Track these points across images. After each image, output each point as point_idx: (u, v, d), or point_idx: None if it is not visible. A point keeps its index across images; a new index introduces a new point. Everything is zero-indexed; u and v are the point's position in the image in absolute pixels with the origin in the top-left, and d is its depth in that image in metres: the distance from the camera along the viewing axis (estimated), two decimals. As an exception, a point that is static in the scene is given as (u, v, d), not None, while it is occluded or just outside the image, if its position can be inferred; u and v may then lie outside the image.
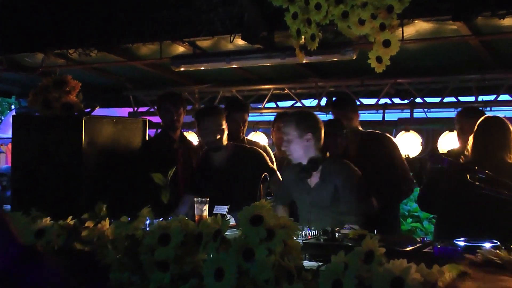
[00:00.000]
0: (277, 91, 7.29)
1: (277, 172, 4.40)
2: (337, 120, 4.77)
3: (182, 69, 5.80)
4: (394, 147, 4.85)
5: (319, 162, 3.81)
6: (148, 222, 2.95)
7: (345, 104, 5.11)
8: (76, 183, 4.31)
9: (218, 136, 4.28)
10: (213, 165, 4.41)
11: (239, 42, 4.74)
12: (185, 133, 5.48)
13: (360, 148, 4.62)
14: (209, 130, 4.28)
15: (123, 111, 8.31)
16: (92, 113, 4.55)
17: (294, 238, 2.33)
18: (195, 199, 3.54)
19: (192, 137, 6.24)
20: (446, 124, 6.26)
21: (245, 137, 5.21)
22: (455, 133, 5.03)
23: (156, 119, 5.78)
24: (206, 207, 3.50)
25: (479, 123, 3.73)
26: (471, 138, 3.73)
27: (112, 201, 3.12)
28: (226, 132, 4.33)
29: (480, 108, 5.50)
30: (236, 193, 4.16)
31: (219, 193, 4.07)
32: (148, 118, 5.35)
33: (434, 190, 3.80)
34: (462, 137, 4.41)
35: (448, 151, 4.49)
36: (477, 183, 2.99)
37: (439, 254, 2.66)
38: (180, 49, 5.71)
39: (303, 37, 3.65)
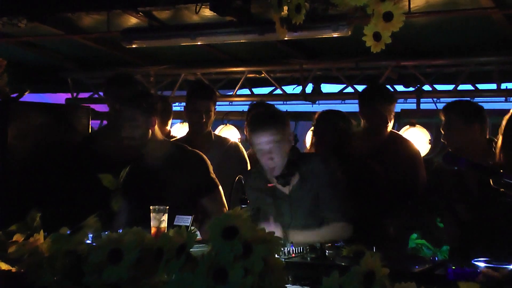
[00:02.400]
0: (253, 75, 7.32)
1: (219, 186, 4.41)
2: (338, 111, 4.85)
3: (134, 46, 5.78)
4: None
5: (300, 162, 3.91)
6: (93, 234, 2.93)
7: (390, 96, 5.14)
8: (0, 186, 4.27)
9: (204, 119, 4.33)
10: (146, 167, 4.38)
11: (207, 13, 4.77)
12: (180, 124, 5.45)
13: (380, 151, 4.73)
14: (197, 114, 4.34)
15: (60, 97, 8.26)
16: (21, 99, 4.51)
17: (276, 255, 2.34)
18: (151, 207, 3.53)
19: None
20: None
21: (212, 132, 5.22)
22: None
23: (101, 107, 5.76)
24: (165, 217, 3.49)
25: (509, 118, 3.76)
26: (499, 137, 3.77)
27: (47, 208, 3.10)
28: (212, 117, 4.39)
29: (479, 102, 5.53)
30: (172, 201, 4.16)
31: (144, 200, 4.05)
32: (91, 106, 5.32)
33: (442, 195, 3.85)
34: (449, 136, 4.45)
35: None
36: (503, 189, 3.02)
37: (454, 277, 2.69)
38: (133, 20, 5.70)
39: (285, 7, 3.66)
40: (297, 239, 3.58)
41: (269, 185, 3.99)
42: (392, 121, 5.08)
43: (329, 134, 4.64)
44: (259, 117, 4.05)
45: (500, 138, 3.73)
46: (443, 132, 4.31)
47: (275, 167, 3.88)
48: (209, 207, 4.29)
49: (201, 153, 4.43)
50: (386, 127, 5.00)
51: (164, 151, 4.36)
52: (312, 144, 4.86)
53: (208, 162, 4.41)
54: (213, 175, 4.37)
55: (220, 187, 4.36)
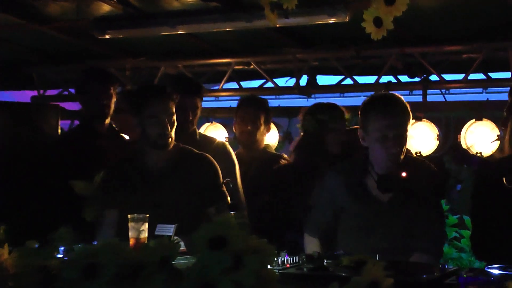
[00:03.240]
0: (240, 67, 7.32)
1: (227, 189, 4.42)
2: (335, 106, 4.87)
3: (107, 36, 5.79)
4: None
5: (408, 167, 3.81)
6: (64, 248, 2.94)
7: None
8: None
9: (168, 130, 4.29)
10: (148, 169, 4.41)
11: (188, -2, 4.77)
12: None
13: None
14: (157, 120, 4.29)
15: (25, 95, 8.23)
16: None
17: (269, 266, 2.36)
18: (129, 216, 3.54)
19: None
20: (472, 111, 6.36)
21: (197, 130, 5.23)
22: (486, 122, 5.13)
23: (72, 105, 5.76)
24: (145, 226, 3.51)
25: None
26: (509, 129, 3.80)
27: (13, 219, 3.10)
28: (175, 125, 4.36)
29: None
30: (178, 211, 4.18)
31: (150, 209, 4.08)
32: (61, 104, 5.33)
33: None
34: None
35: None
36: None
37: (466, 286, 2.72)
38: (105, 8, 5.70)
39: (276, -9, 3.67)
40: None
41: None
42: None
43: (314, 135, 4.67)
44: (384, 97, 3.98)
45: (509, 130, 3.75)
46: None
47: (397, 156, 3.76)
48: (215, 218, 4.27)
49: (210, 157, 4.47)
50: None
51: (171, 153, 4.37)
52: (294, 146, 4.88)
53: (218, 168, 4.44)
54: (221, 184, 4.38)
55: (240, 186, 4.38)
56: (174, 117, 4.32)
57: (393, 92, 4.05)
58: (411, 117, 3.84)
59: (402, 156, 3.76)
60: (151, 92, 4.42)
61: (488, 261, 3.28)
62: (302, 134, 4.97)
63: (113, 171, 4.50)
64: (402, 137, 3.75)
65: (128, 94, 5.42)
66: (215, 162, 4.45)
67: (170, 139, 4.31)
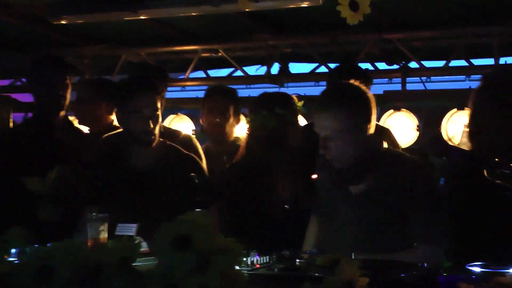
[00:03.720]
0: (208, 54, 7.32)
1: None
2: (277, 93, 4.87)
3: (64, 22, 5.75)
4: None
5: (374, 160, 3.82)
6: (16, 250, 2.92)
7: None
8: None
9: (152, 125, 4.27)
10: (131, 167, 4.39)
11: (151, -20, 4.75)
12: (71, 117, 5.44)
13: None
14: (141, 115, 4.25)
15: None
16: None
17: (237, 267, 2.35)
18: (87, 215, 3.52)
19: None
20: (454, 99, 6.37)
21: (161, 123, 5.23)
22: (467, 111, 5.13)
23: (25, 97, 5.72)
24: (105, 226, 3.49)
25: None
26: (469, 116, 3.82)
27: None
28: (161, 121, 4.34)
29: None
30: (162, 211, 4.17)
31: (134, 208, 4.07)
32: (13, 95, 5.29)
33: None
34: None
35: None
36: (499, 181, 3.07)
37: (447, 286, 2.73)
38: (62, -9, 5.66)
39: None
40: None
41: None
42: None
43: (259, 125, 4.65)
44: (328, 92, 3.93)
45: (470, 116, 3.76)
46: None
47: (332, 160, 3.74)
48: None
49: (197, 158, 4.47)
50: None
51: (157, 151, 4.34)
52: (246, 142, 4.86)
53: (206, 170, 4.44)
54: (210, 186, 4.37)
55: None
56: (159, 112, 4.30)
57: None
58: (359, 113, 3.74)
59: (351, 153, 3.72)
60: (135, 84, 4.39)
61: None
62: (252, 128, 4.76)
63: (93, 167, 4.47)
64: (333, 140, 3.69)
65: (112, 85, 5.41)
66: (202, 165, 4.45)
67: (153, 136, 4.28)
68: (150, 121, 4.23)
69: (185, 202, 4.15)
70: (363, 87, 3.81)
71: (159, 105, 4.29)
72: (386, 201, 3.72)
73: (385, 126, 5.97)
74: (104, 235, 3.49)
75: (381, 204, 3.72)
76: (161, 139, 4.39)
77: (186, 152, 4.49)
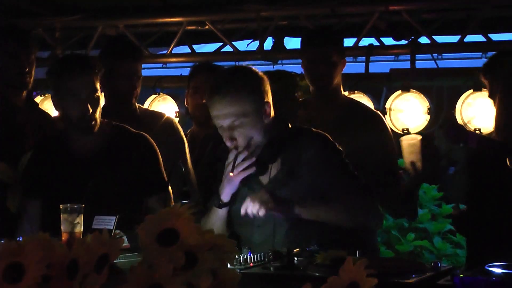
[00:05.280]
0: (193, 27, 7.32)
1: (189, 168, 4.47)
2: (288, 73, 4.89)
3: (32, -11, 5.75)
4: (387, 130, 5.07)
5: (282, 141, 3.94)
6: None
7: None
8: None
9: (90, 110, 4.28)
10: (74, 155, 4.41)
11: None
12: (37, 98, 5.45)
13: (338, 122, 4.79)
14: (75, 98, 4.28)
15: None
16: None
17: (229, 265, 2.38)
18: (61, 206, 3.55)
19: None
20: (469, 79, 6.40)
21: (137, 105, 5.24)
22: (486, 93, 5.18)
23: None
24: (80, 218, 3.52)
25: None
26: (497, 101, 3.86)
27: None
28: (101, 104, 4.35)
29: None
30: (112, 201, 4.20)
31: (79, 199, 4.09)
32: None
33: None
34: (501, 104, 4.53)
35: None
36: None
37: (463, 287, 2.76)
38: (29, -45, 5.66)
39: None
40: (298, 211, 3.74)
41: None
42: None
43: None
44: (219, 78, 4.08)
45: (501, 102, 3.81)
46: None
47: (239, 150, 3.91)
48: (158, 210, 4.28)
49: (148, 137, 4.48)
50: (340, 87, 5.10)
51: (102, 134, 4.37)
52: None
53: (158, 151, 4.46)
54: (163, 170, 4.41)
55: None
56: (99, 93, 4.31)
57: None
58: (262, 93, 3.97)
59: (254, 136, 3.94)
60: (68, 63, 4.40)
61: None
62: None
63: (36, 154, 4.49)
64: (238, 126, 3.88)
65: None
66: (154, 144, 4.46)
67: (94, 122, 4.30)
68: (89, 105, 4.25)
69: (139, 189, 4.22)
70: (254, 69, 3.96)
71: (98, 85, 4.29)
72: (297, 182, 3.91)
73: (392, 108, 6.01)
74: (79, 228, 3.53)
75: (293, 187, 3.91)
76: (105, 120, 4.41)
77: (136, 131, 4.51)
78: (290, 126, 4.11)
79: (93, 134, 4.33)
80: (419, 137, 4.60)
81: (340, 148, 4.04)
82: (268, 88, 3.99)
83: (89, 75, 4.28)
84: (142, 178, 4.32)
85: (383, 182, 4.89)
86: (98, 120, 4.32)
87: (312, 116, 5.02)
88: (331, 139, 4.06)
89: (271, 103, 4.00)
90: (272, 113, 3.97)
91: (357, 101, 5.66)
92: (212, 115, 3.98)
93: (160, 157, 4.45)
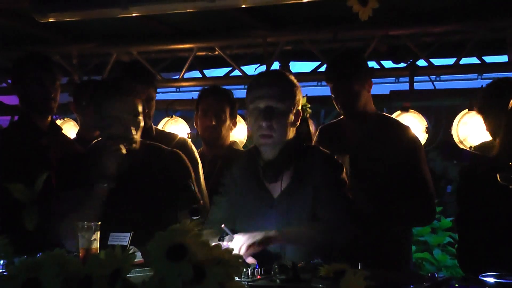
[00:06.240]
0: (203, 53, 7.33)
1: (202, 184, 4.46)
2: None
3: (51, 20, 5.76)
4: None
5: (296, 155, 3.92)
6: (5, 261, 2.94)
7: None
8: None
9: (134, 131, 4.25)
10: (108, 172, 4.39)
11: (143, -25, 4.77)
12: (58, 121, 5.47)
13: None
14: (119, 120, 4.24)
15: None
16: None
17: (236, 278, 2.37)
18: (78, 224, 3.54)
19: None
20: (465, 99, 6.36)
21: (153, 126, 5.24)
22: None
23: (11, 99, 5.73)
24: (96, 235, 3.51)
25: None
26: (504, 121, 3.85)
27: None
28: (141, 126, 4.33)
29: None
30: (149, 216, 4.18)
31: (115, 216, 4.08)
32: (-1, 98, 5.31)
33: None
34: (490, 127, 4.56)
35: (479, 146, 4.65)
36: (512, 186, 3.10)
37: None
38: (48, -14, 5.68)
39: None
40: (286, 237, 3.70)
41: None
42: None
43: None
44: (267, 72, 4.02)
45: (505, 123, 3.80)
46: None
47: (271, 142, 3.87)
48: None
49: (181, 153, 4.47)
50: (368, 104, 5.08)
51: (137, 152, 4.32)
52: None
53: (190, 166, 4.44)
54: (195, 184, 4.36)
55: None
56: (141, 117, 4.28)
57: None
58: (297, 95, 3.93)
59: (285, 138, 3.87)
60: (112, 87, 4.37)
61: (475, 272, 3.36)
62: None
63: (72, 172, 4.43)
64: (275, 110, 3.84)
65: (86, 88, 5.42)
66: (187, 160, 4.46)
67: (135, 143, 4.27)
68: (132, 127, 4.24)
69: (170, 201, 4.16)
70: None
71: (140, 109, 4.28)
72: (302, 199, 3.86)
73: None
74: (96, 245, 3.51)
75: (299, 203, 3.86)
76: (140, 139, 4.38)
77: (169, 148, 4.50)
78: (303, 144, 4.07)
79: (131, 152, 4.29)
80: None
81: (342, 168, 4.00)
82: (300, 98, 3.97)
83: (131, 99, 4.26)
84: (175, 193, 4.23)
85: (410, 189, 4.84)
86: (138, 141, 4.30)
87: (345, 134, 4.99)
88: (335, 159, 4.03)
89: (299, 115, 3.97)
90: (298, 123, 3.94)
91: (386, 115, 5.51)
92: (250, 97, 3.91)
93: (192, 172, 4.42)
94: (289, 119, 3.87)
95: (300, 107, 3.97)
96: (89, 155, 4.48)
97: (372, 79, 5.05)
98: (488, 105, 4.81)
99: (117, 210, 4.15)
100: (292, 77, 3.98)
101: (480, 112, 4.91)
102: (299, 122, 3.97)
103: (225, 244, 3.69)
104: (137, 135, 4.26)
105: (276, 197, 3.93)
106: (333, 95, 5.00)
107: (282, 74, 4.04)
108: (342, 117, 5.13)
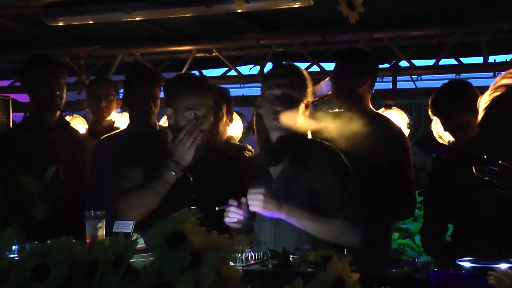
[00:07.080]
0: (202, 54, 7.32)
1: None
2: None
3: (60, 24, 5.74)
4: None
5: (300, 144, 3.89)
6: (16, 247, 2.93)
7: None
8: None
9: (205, 127, 4.17)
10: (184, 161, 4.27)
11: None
12: (68, 118, 5.45)
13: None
14: (196, 114, 4.12)
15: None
16: None
17: (231, 263, 2.36)
18: (85, 213, 3.51)
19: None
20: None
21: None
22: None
23: (23, 97, 5.70)
24: (102, 223, 3.49)
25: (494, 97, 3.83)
26: (480, 115, 3.84)
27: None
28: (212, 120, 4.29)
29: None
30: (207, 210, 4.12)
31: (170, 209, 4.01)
32: (13, 96, 5.29)
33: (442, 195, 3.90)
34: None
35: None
36: (487, 178, 3.08)
37: (437, 281, 2.74)
38: (57, -7, 5.66)
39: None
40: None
41: None
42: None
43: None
44: (284, 64, 4.35)
45: (481, 116, 3.79)
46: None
47: (282, 126, 3.84)
48: None
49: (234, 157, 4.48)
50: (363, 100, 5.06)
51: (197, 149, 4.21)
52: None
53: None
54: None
55: None
56: (211, 112, 4.21)
57: None
58: (308, 88, 3.95)
59: (294, 125, 3.85)
60: (188, 83, 4.27)
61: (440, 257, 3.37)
62: None
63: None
64: (290, 98, 3.85)
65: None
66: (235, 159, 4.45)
67: (203, 140, 4.18)
68: (204, 122, 4.16)
69: (222, 194, 4.03)
70: None
71: (211, 104, 4.22)
72: (300, 183, 3.84)
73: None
74: (102, 232, 3.49)
75: (297, 187, 3.85)
76: None
77: (225, 151, 4.51)
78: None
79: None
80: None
81: (346, 163, 3.96)
82: (311, 91, 3.97)
83: (206, 95, 4.20)
84: (228, 191, 4.10)
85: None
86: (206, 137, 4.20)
87: (340, 127, 4.95)
88: (339, 153, 3.97)
89: (309, 106, 3.97)
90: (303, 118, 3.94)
91: (381, 115, 5.46)
92: (267, 85, 3.89)
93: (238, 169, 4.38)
94: (300, 108, 3.88)
95: (310, 99, 3.98)
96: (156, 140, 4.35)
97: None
98: (444, 107, 4.84)
99: (173, 202, 4.00)
100: (305, 72, 4.03)
101: (436, 113, 4.94)
102: (308, 112, 3.97)
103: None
104: (207, 130, 4.21)
105: (274, 178, 3.93)
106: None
107: (297, 67, 4.06)
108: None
